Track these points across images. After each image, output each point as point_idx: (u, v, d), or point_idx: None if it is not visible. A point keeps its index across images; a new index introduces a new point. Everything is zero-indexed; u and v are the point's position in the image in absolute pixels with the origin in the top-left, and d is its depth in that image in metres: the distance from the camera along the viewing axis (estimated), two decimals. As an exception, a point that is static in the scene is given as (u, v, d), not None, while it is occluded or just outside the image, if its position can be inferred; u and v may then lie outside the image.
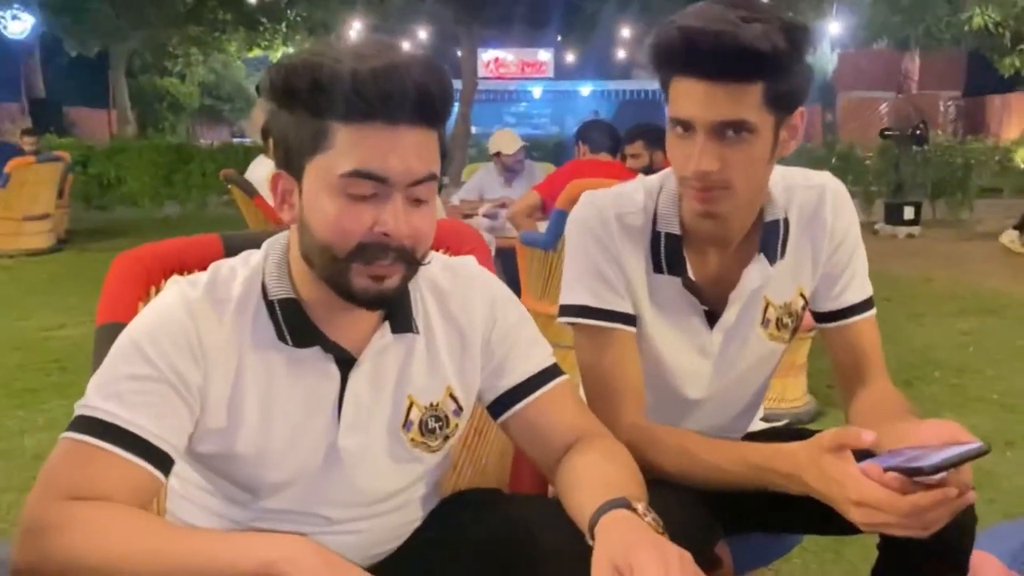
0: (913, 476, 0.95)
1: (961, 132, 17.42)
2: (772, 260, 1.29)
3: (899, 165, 9.88)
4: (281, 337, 1.04)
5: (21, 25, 16.07)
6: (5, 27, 16.10)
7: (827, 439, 1.03)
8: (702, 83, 1.12)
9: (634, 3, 11.99)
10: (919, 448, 1.00)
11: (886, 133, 10.45)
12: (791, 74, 1.13)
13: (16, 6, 15.28)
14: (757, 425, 1.61)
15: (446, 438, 1.15)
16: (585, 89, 25.31)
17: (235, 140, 18.35)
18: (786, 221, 1.31)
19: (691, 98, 1.14)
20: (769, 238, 1.29)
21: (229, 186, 4.71)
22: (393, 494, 1.13)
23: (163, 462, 0.97)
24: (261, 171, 4.39)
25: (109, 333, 1.22)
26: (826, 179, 1.36)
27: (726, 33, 1.08)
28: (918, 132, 9.93)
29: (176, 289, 1.04)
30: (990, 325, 5.17)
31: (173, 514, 1.15)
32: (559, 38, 19.86)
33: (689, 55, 1.12)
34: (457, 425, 1.16)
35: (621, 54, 23.99)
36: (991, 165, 11.32)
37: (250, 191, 4.28)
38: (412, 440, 1.12)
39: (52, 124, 14.14)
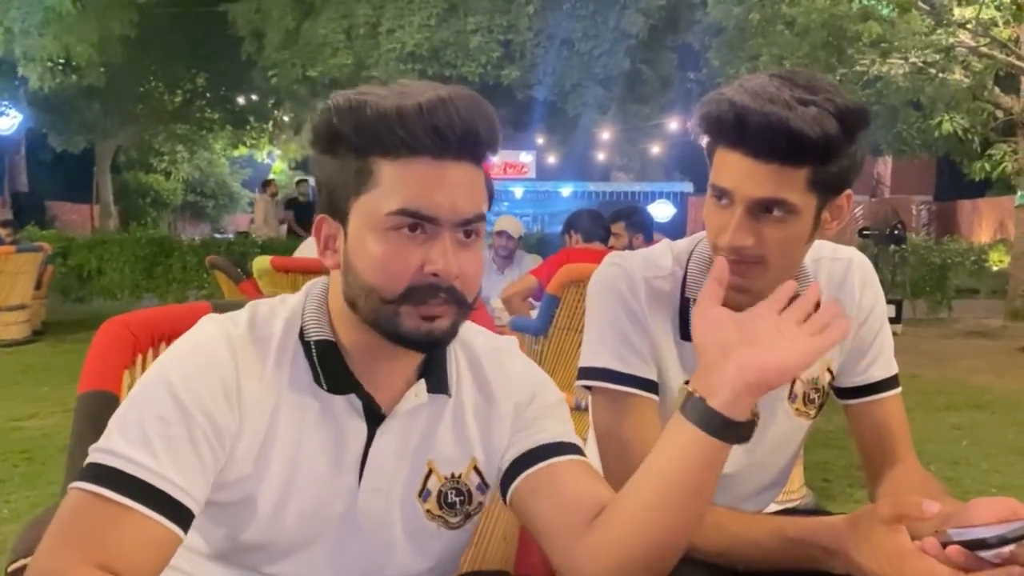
0: (976, 550, 0.87)
1: (934, 235, 17.78)
2: None
3: (878, 264, 9.99)
4: (317, 381, 0.97)
5: (9, 121, 16.24)
6: (-8, 123, 16.28)
7: (883, 510, 0.94)
8: (747, 159, 1.08)
9: (612, 109, 12.32)
10: (972, 527, 0.92)
11: (864, 232, 10.63)
12: (840, 158, 1.08)
13: (4, 103, 15.46)
14: (770, 507, 1.53)
15: (467, 516, 1.07)
16: (566, 190, 25.77)
17: (217, 235, 18.39)
18: None
19: (734, 171, 1.10)
20: None
21: (214, 273, 4.65)
22: (407, 571, 1.05)
23: (185, 519, 0.88)
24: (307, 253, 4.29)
25: (91, 401, 1.17)
26: (853, 253, 1.33)
27: (776, 115, 1.03)
28: (896, 232, 10.11)
29: (215, 325, 0.96)
30: (980, 419, 5.14)
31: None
32: (540, 141, 20.32)
33: (737, 131, 1.07)
34: (481, 504, 1.08)
35: (601, 156, 24.57)
36: (967, 266, 11.50)
37: (236, 277, 4.22)
38: (428, 512, 1.03)
39: (34, 218, 14.12)
